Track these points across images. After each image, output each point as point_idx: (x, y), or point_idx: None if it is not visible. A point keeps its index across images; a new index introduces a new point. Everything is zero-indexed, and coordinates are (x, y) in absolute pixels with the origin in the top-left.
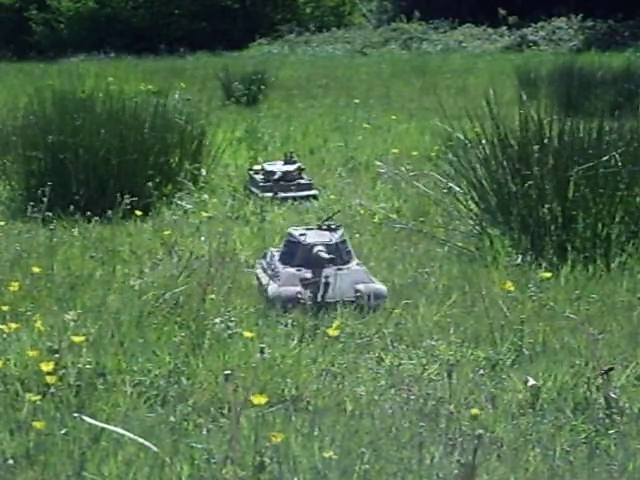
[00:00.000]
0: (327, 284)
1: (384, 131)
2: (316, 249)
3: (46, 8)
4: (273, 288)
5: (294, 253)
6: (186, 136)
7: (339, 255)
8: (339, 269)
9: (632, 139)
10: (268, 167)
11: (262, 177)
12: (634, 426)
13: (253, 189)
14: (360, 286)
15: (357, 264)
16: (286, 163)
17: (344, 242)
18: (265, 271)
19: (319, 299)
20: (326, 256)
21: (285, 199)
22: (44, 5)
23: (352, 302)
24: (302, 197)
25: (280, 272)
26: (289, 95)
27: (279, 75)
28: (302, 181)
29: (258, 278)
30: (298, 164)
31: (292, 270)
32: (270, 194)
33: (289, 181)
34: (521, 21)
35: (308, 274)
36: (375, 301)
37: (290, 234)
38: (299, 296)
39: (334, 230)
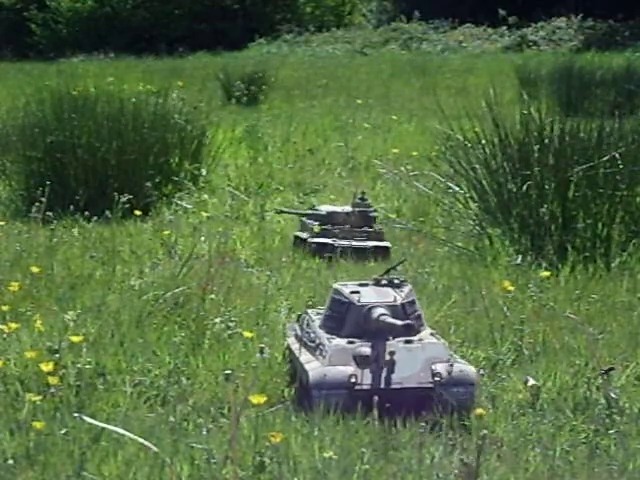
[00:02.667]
0: (392, 364)
1: (384, 131)
2: (377, 312)
3: (46, 8)
4: (316, 369)
5: (344, 318)
6: (186, 136)
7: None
8: (407, 341)
9: (632, 139)
10: (328, 208)
11: (318, 220)
12: (634, 426)
13: (303, 235)
14: (439, 367)
15: (431, 334)
16: (354, 206)
17: (413, 303)
18: (300, 340)
19: (382, 384)
20: (396, 322)
21: (345, 250)
22: (44, 5)
23: (428, 389)
24: (369, 249)
25: (325, 345)
26: (289, 95)
27: (279, 75)
28: (371, 228)
29: (291, 350)
30: (371, 208)
31: (342, 343)
32: (326, 240)
33: (355, 227)
34: (521, 21)
35: (365, 349)
36: (460, 392)
37: (337, 291)
38: (353, 381)
39: (398, 286)
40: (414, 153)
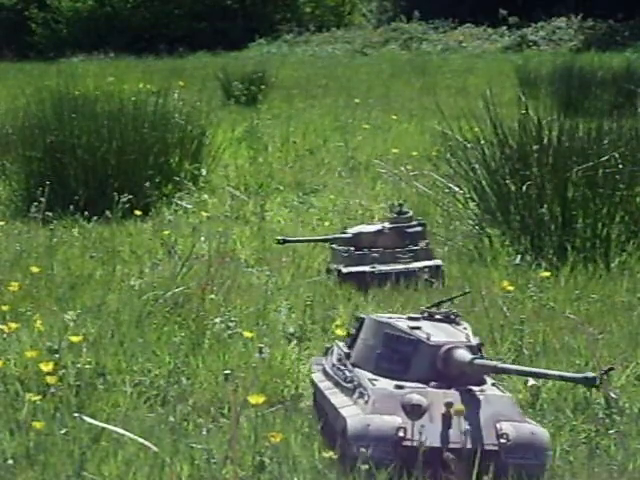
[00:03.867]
0: (449, 418)
1: (384, 131)
2: (463, 355)
3: (46, 7)
4: (355, 417)
5: (409, 359)
6: (186, 136)
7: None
8: (468, 391)
9: (632, 139)
10: (356, 229)
11: (344, 245)
12: (634, 426)
13: (335, 266)
14: (505, 427)
15: (493, 384)
16: (392, 222)
17: (482, 344)
18: (330, 378)
19: (436, 442)
20: (495, 365)
21: (388, 277)
22: (44, 5)
23: (491, 452)
24: (417, 271)
25: (367, 388)
26: (289, 95)
27: (279, 75)
28: (417, 246)
29: (317, 388)
30: (412, 222)
31: (389, 387)
32: (363, 268)
33: (392, 248)
34: (521, 21)
35: (418, 396)
36: (530, 460)
37: (390, 326)
38: (401, 435)
39: (454, 321)
40: (414, 153)
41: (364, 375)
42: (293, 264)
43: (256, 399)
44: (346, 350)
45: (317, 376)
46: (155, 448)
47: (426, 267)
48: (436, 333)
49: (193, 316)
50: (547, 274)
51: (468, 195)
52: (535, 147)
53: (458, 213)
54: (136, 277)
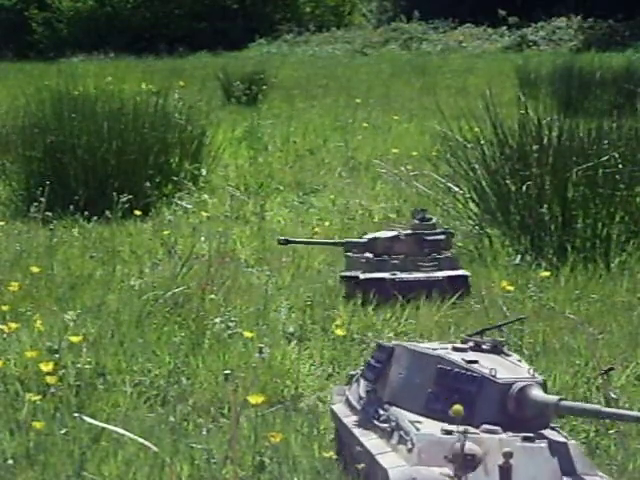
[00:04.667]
0: (508, 470)
1: (384, 131)
2: (541, 395)
3: (46, 7)
4: (399, 469)
5: (473, 400)
6: (186, 136)
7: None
8: (526, 438)
9: (632, 139)
10: (377, 234)
11: (359, 250)
12: (634, 426)
13: (353, 274)
14: None
15: (553, 427)
16: (413, 228)
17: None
18: (356, 412)
19: None
20: (592, 408)
21: (409, 286)
22: (44, 5)
23: None
24: (441, 281)
25: (410, 433)
26: (289, 95)
27: (279, 75)
28: (441, 255)
29: (341, 422)
30: (437, 229)
31: (436, 433)
32: (383, 275)
33: (419, 254)
34: (521, 21)
35: (472, 445)
36: None
37: (443, 359)
38: None
39: (503, 352)
40: (414, 153)
41: (403, 415)
42: (293, 264)
43: (256, 399)
44: (370, 385)
45: (339, 409)
46: (155, 448)
47: (450, 277)
48: (501, 369)
49: (193, 316)
50: (547, 274)
51: (468, 195)
52: (535, 147)
53: (458, 213)
54: (136, 277)
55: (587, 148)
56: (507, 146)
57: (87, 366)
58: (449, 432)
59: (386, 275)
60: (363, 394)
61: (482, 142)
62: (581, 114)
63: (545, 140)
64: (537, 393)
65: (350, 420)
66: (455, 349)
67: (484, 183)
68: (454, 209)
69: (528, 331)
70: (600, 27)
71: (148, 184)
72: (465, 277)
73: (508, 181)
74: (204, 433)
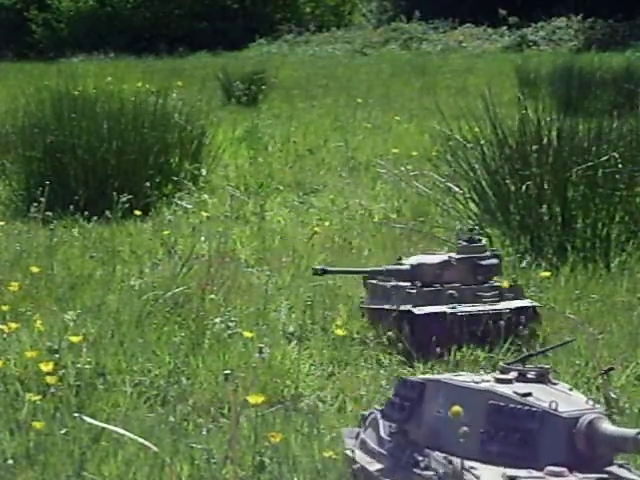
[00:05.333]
0: None
1: (384, 131)
2: (609, 428)
3: (46, 8)
4: None
5: (533, 438)
6: (186, 136)
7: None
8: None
9: (632, 139)
10: (421, 259)
11: (407, 277)
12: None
13: (391, 306)
14: None
15: (620, 465)
16: (458, 251)
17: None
18: (380, 457)
19: None
20: None
21: (474, 320)
22: (44, 5)
23: None
24: (509, 314)
25: None
26: (289, 95)
27: (279, 75)
28: (495, 281)
29: (364, 470)
30: (486, 252)
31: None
32: (441, 309)
33: (466, 283)
34: (521, 21)
35: None
36: None
37: (494, 394)
38: None
39: (550, 381)
40: (414, 153)
41: (456, 462)
42: (293, 264)
43: (256, 399)
44: (398, 426)
45: (359, 455)
46: (155, 448)
47: (521, 308)
48: (562, 401)
49: (193, 316)
50: (547, 274)
51: (468, 195)
52: (535, 147)
53: (458, 213)
54: (136, 277)
55: (587, 148)
56: (507, 146)
57: (87, 366)
58: (513, 478)
59: (444, 309)
60: (386, 436)
61: (482, 142)
62: (581, 114)
63: (545, 140)
64: (608, 426)
65: (375, 468)
66: (499, 380)
67: (484, 183)
68: (454, 209)
69: (528, 331)
70: (600, 27)
71: (148, 184)
72: (533, 308)
73: (508, 181)
74: (204, 433)
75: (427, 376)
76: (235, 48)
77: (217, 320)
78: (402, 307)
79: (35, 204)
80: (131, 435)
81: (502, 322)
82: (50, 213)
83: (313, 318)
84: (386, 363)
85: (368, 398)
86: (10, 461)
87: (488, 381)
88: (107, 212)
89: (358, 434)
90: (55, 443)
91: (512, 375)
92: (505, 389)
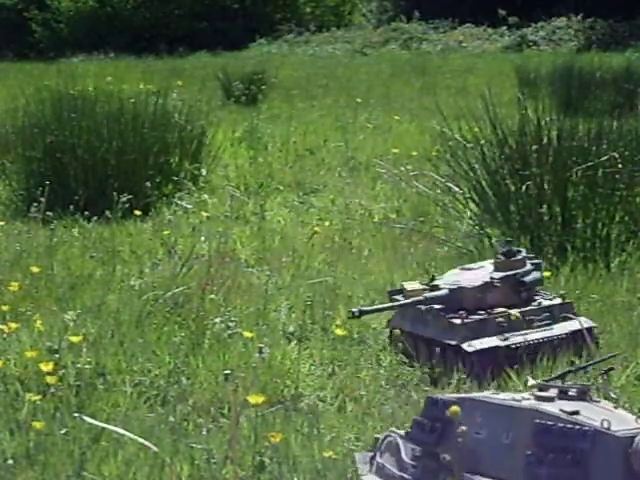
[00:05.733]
0: None
1: (384, 131)
2: None
3: (46, 8)
4: None
5: (585, 459)
6: (186, 136)
7: None
8: None
9: (632, 139)
10: (458, 280)
11: (446, 303)
12: None
13: (417, 332)
14: None
15: None
16: (497, 268)
17: None
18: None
19: None
20: None
21: (536, 351)
22: (44, 5)
23: None
24: (566, 338)
25: None
26: (289, 95)
27: (279, 75)
28: (544, 300)
29: None
30: (525, 267)
31: None
32: (495, 342)
33: (510, 304)
34: (521, 21)
35: None
36: None
37: (540, 412)
38: None
39: (591, 398)
40: (414, 153)
41: None
42: (293, 264)
43: (256, 399)
44: (427, 449)
45: (366, 478)
46: (155, 448)
47: (577, 331)
48: (613, 420)
49: (193, 316)
50: (547, 274)
51: (468, 195)
52: (534, 147)
53: (458, 213)
54: (136, 277)
55: (587, 148)
56: (507, 146)
57: (87, 366)
58: None
59: (497, 342)
60: (409, 460)
61: (482, 142)
62: (581, 114)
63: (545, 140)
64: None
65: None
66: (540, 398)
67: (484, 183)
68: (454, 209)
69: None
70: (600, 27)
71: (148, 184)
72: (590, 329)
73: (508, 181)
74: (204, 433)
75: (461, 395)
76: (235, 48)
77: (217, 320)
78: (448, 341)
79: (35, 204)
80: (131, 435)
81: (559, 349)
82: (50, 213)
83: (313, 318)
84: (386, 363)
85: (368, 398)
86: (10, 461)
87: (528, 399)
88: (107, 212)
89: (372, 458)
90: (55, 443)
91: (553, 392)
92: (550, 407)
